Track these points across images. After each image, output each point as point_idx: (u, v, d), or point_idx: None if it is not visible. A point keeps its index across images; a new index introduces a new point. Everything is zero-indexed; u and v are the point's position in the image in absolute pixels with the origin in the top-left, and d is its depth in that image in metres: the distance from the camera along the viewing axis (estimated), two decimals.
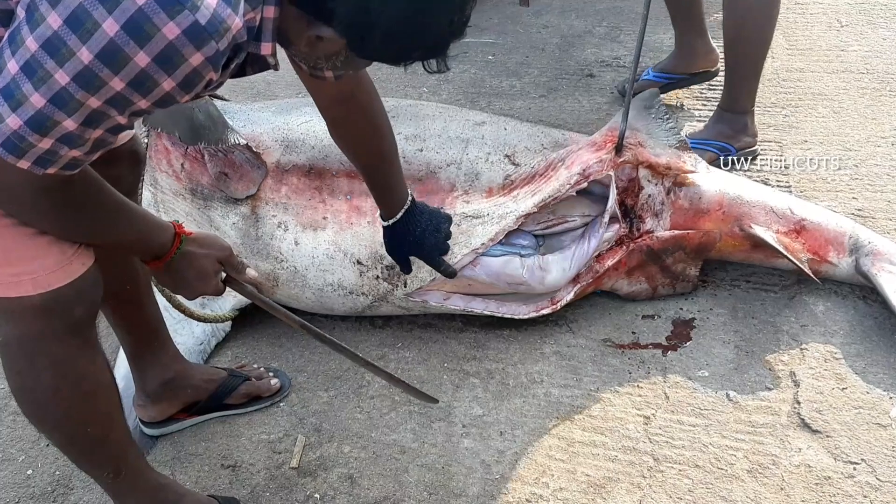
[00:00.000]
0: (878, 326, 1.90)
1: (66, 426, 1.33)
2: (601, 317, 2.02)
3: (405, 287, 1.92)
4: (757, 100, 2.85)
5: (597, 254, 1.95)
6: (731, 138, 2.49)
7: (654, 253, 1.99)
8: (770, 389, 1.78)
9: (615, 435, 1.71)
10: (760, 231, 1.96)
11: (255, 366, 1.90)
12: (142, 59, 0.92)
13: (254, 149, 2.00)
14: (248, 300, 1.92)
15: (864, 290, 1.99)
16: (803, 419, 1.70)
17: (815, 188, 2.38)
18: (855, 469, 1.59)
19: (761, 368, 1.83)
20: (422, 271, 1.89)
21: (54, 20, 0.90)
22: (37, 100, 0.94)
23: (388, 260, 1.88)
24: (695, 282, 2.03)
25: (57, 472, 1.74)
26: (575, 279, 1.95)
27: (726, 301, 2.03)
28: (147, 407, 1.77)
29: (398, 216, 1.61)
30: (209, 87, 1.05)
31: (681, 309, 2.02)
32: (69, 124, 0.97)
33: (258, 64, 1.12)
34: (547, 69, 3.24)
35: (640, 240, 1.99)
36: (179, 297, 1.56)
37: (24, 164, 1.00)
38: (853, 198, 2.33)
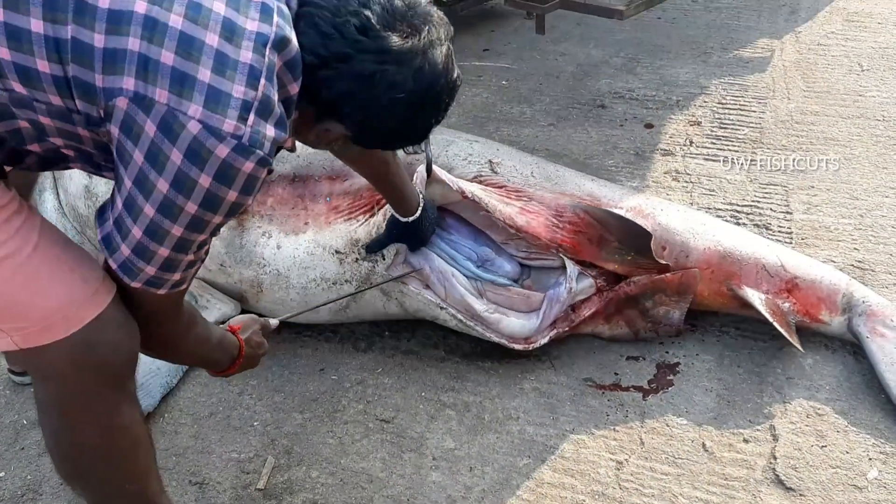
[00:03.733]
0: (866, 384, 1.86)
1: (106, 485, 1.33)
2: (585, 355, 2.00)
3: (384, 260, 1.90)
4: (766, 141, 2.83)
5: (571, 305, 1.95)
6: None
7: (633, 298, 1.97)
8: (748, 442, 1.75)
9: (585, 478, 1.69)
10: (749, 293, 1.94)
11: None
12: (205, 180, 1.05)
13: None
14: (225, 317, 1.98)
15: (854, 345, 1.95)
16: (778, 475, 1.67)
17: (817, 236, 2.35)
18: None
19: (741, 419, 1.80)
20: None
21: (138, 157, 1.04)
22: (136, 232, 1.09)
23: (364, 242, 1.91)
24: (679, 326, 2.00)
25: (28, 477, 1.76)
26: (552, 324, 1.94)
27: (713, 347, 2.00)
28: None
29: (417, 214, 1.80)
30: (265, 182, 1.17)
31: (666, 352, 2.00)
32: (164, 252, 1.10)
33: None
34: (559, 97, 3.23)
35: (616, 288, 1.97)
36: None
37: (136, 284, 1.15)
38: (854, 248, 2.29)
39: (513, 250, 2.00)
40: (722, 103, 3.12)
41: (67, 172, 2.12)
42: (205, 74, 1.03)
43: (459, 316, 1.92)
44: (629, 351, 2.01)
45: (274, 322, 1.67)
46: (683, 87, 3.27)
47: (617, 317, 2.00)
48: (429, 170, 1.89)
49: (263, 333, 1.60)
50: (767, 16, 3.91)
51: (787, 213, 2.46)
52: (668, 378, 1.92)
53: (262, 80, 1.06)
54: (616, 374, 1.95)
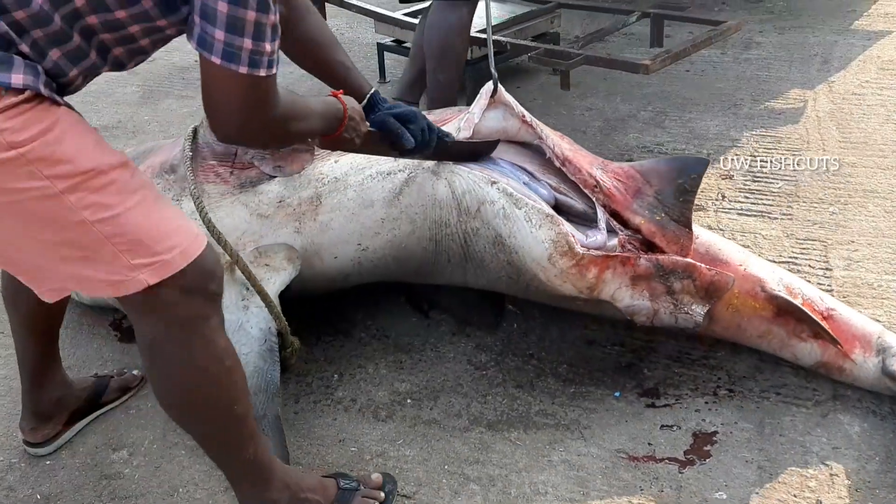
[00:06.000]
0: None
1: (217, 409, 1.44)
2: (617, 424, 1.91)
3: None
4: (802, 195, 2.74)
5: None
6: None
7: (663, 270, 1.89)
8: None
9: None
10: (784, 294, 1.90)
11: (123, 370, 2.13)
12: None
13: None
14: (284, 285, 1.97)
15: None
16: None
17: (860, 293, 2.24)
18: None
19: (785, 493, 1.68)
20: None
21: None
22: (222, 7, 1.19)
23: None
24: (698, 322, 1.92)
25: None
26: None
27: (753, 414, 1.89)
28: (38, 429, 1.89)
29: (364, 103, 1.79)
30: None
31: (703, 420, 1.89)
32: (251, 15, 1.20)
33: None
34: None
35: (651, 253, 1.93)
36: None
37: (243, 69, 1.23)
38: None
39: (546, 179, 2.03)
40: (754, 156, 3.05)
41: None
42: None
43: (511, 189, 1.89)
44: (664, 419, 1.91)
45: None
46: (714, 140, 3.20)
47: (643, 284, 1.90)
48: (494, 90, 1.99)
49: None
50: (799, 66, 3.85)
51: (827, 269, 2.36)
52: (706, 448, 1.82)
53: None
54: (650, 444, 1.85)
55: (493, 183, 1.90)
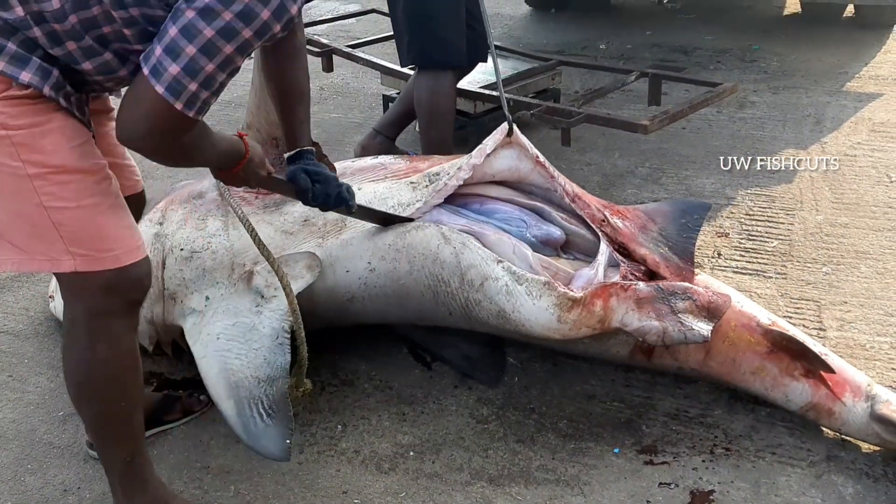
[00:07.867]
0: None
1: (106, 395, 1.61)
2: (616, 480, 1.94)
3: (448, 175, 2.15)
4: (796, 254, 2.81)
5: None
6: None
7: (664, 292, 1.98)
8: None
9: None
10: (779, 328, 2.01)
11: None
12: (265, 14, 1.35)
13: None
14: (300, 290, 2.02)
15: None
16: None
17: (852, 354, 2.29)
18: None
19: None
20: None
21: None
22: (190, 50, 1.32)
23: (435, 169, 2.22)
24: (706, 335, 1.95)
25: None
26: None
27: (749, 474, 1.93)
28: None
29: (293, 152, 1.91)
30: (291, 22, 1.42)
31: (700, 478, 1.93)
32: (210, 68, 1.34)
33: None
34: None
35: (651, 280, 2.05)
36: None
37: (178, 105, 1.35)
38: (892, 368, 2.23)
39: (554, 212, 2.21)
40: (749, 214, 3.12)
41: None
42: None
43: (514, 268, 1.99)
44: (662, 477, 1.94)
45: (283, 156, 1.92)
46: (709, 197, 3.28)
47: (648, 306, 1.97)
48: (510, 131, 2.16)
49: (271, 162, 1.81)
50: (792, 126, 3.95)
51: (821, 329, 2.42)
52: None
53: None
54: (648, 501, 1.88)
55: (499, 262, 2.00)
